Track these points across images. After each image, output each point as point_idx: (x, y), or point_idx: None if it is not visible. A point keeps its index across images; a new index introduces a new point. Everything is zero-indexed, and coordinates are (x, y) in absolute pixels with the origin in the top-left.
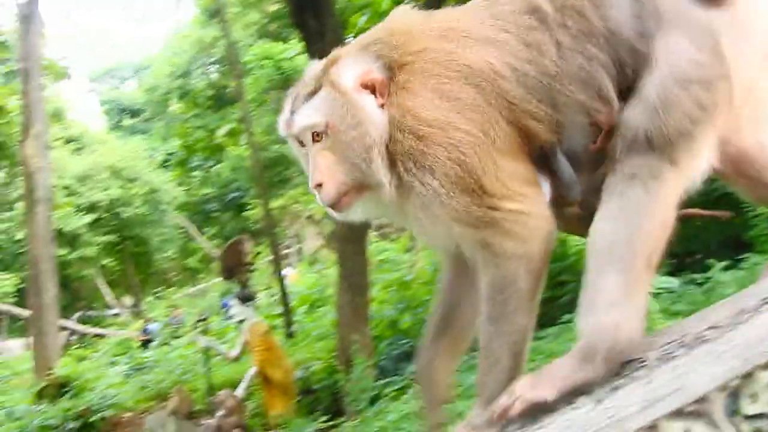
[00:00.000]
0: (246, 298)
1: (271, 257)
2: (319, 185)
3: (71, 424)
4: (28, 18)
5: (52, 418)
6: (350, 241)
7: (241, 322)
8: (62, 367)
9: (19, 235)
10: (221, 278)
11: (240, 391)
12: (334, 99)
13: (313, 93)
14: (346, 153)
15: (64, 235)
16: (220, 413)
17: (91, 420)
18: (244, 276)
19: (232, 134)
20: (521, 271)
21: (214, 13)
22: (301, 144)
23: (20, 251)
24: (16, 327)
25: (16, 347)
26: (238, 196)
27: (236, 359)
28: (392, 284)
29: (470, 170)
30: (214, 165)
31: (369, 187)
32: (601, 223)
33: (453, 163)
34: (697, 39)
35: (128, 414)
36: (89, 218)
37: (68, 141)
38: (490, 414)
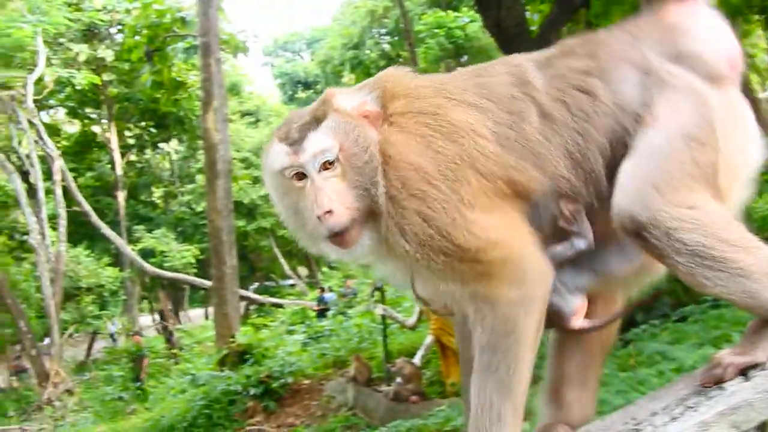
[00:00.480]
0: None
1: None
2: (329, 212)
3: (253, 390)
4: None
5: (234, 384)
6: None
7: None
8: (243, 336)
9: (199, 208)
10: None
11: (417, 359)
12: (344, 124)
13: (318, 122)
14: (356, 178)
15: (242, 206)
16: (398, 380)
17: (272, 386)
18: None
19: None
20: (521, 315)
21: None
22: (299, 177)
23: (200, 223)
24: (196, 297)
25: (197, 317)
26: None
27: (413, 328)
28: None
29: (438, 228)
30: None
31: (375, 216)
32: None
33: (421, 220)
34: (699, 106)
35: (308, 381)
36: (264, 191)
37: (244, 114)
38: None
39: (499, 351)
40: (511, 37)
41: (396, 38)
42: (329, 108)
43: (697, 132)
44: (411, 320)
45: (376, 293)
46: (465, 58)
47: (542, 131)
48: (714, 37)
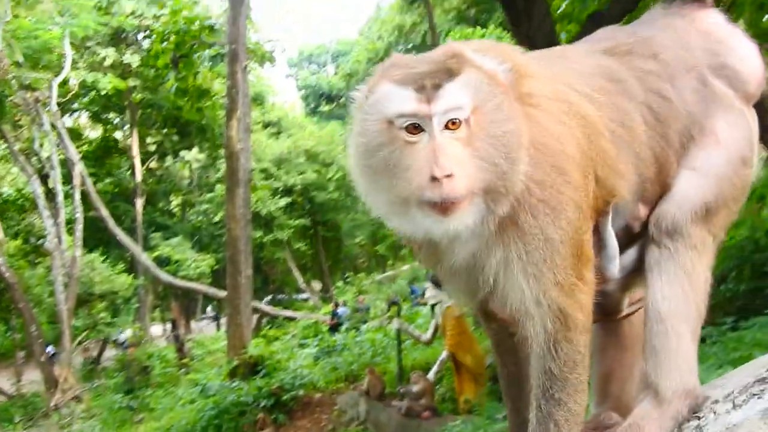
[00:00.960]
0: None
1: None
2: (449, 176)
3: (263, 402)
4: (237, 1)
5: (245, 395)
6: None
7: (434, 306)
8: (255, 348)
9: (217, 218)
10: (418, 262)
11: (431, 375)
12: (485, 85)
13: (452, 74)
14: (485, 148)
15: (260, 217)
16: (411, 395)
17: (283, 399)
18: None
19: None
20: (587, 345)
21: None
22: (413, 130)
23: (217, 233)
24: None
25: (209, 327)
26: None
27: (428, 343)
28: None
29: (578, 228)
30: None
31: (494, 195)
32: (667, 288)
33: (574, 211)
34: (747, 129)
35: (319, 394)
36: (284, 202)
37: (266, 125)
38: None
39: (568, 383)
40: None
41: (420, 53)
42: (465, 63)
43: (748, 156)
44: (426, 336)
45: (393, 308)
46: None
47: (646, 132)
48: (749, 54)
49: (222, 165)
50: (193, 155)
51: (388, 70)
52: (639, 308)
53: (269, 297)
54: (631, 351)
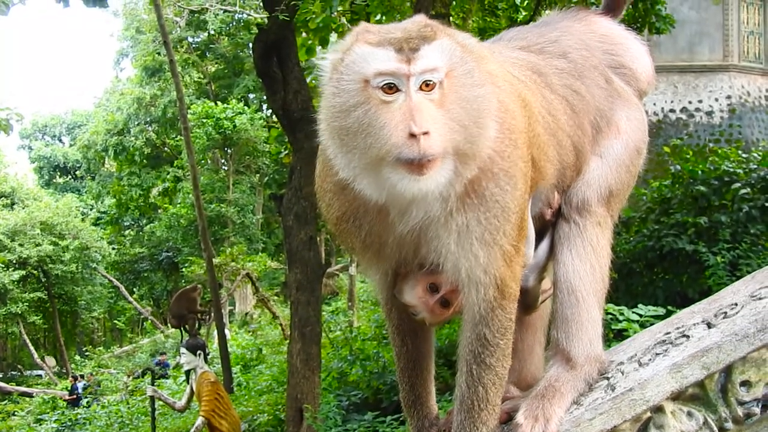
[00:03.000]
0: (196, 347)
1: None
2: (426, 133)
3: None
4: None
5: None
6: (304, 290)
7: (188, 372)
8: None
9: None
10: (171, 326)
11: None
12: (458, 50)
13: (428, 39)
14: (459, 111)
15: None
16: None
17: None
18: (195, 324)
19: (167, 193)
20: (515, 313)
21: (154, 72)
22: (389, 90)
23: None
24: None
25: None
26: (171, 256)
27: (183, 410)
28: (334, 340)
29: (525, 200)
30: (147, 224)
31: (463, 157)
32: (577, 262)
33: (525, 184)
34: (642, 122)
35: None
36: (18, 274)
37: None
38: None
39: (498, 348)
40: (296, 121)
41: (163, 126)
42: (439, 30)
43: (642, 146)
44: (181, 402)
45: (147, 374)
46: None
47: (567, 122)
48: (641, 54)
49: None
50: None
51: (363, 35)
52: (549, 295)
53: (0, 375)
54: (533, 331)
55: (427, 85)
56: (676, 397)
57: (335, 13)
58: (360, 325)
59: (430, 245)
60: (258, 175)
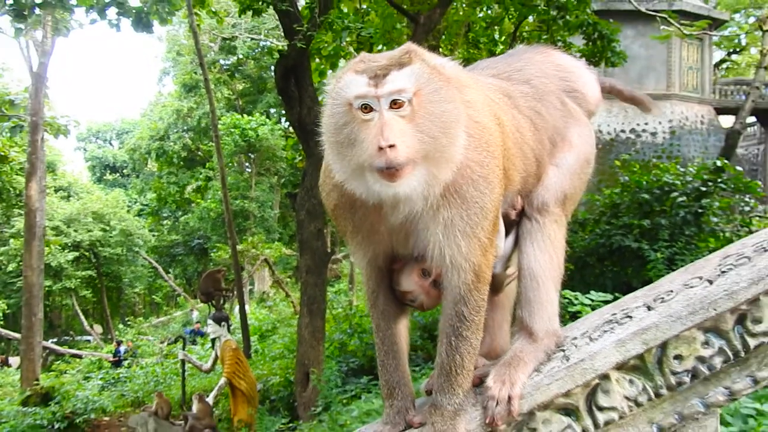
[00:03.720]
0: (220, 319)
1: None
2: (392, 146)
3: (58, 425)
4: (39, 77)
5: (41, 419)
6: (312, 273)
7: (214, 339)
8: (46, 380)
9: (10, 267)
10: (200, 301)
11: (210, 399)
12: (427, 74)
13: (402, 65)
14: (427, 124)
15: (50, 268)
16: (193, 416)
17: (76, 422)
18: (220, 300)
19: (200, 190)
20: (487, 295)
21: (191, 88)
22: (366, 110)
23: (9, 281)
24: None
25: None
26: (201, 243)
27: (208, 371)
28: (337, 316)
29: (499, 202)
30: (182, 215)
31: (433, 162)
32: (538, 253)
33: (499, 188)
34: (591, 137)
35: (108, 417)
36: (72, 255)
37: (57, 189)
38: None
39: (473, 323)
40: (310, 132)
41: (197, 134)
42: (415, 57)
43: (590, 158)
44: (207, 365)
45: (179, 341)
46: (254, 155)
47: (531, 138)
48: (590, 81)
49: (15, 222)
50: None
51: (353, 64)
52: (513, 279)
53: (54, 339)
54: (501, 310)
55: (395, 104)
56: (620, 367)
57: (344, 43)
58: (358, 304)
59: (420, 235)
60: (276, 176)
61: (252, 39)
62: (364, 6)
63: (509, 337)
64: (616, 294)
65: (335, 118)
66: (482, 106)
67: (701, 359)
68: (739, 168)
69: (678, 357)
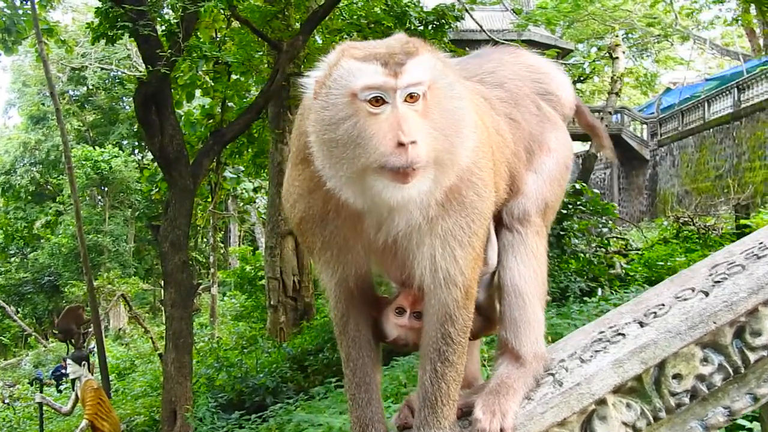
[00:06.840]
0: (80, 358)
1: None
2: (414, 142)
3: None
4: None
5: None
6: (178, 307)
7: (74, 380)
8: None
9: None
10: (58, 340)
11: None
12: (438, 64)
13: (411, 54)
14: (441, 121)
15: None
16: None
17: None
18: (80, 338)
19: (50, 225)
20: (473, 317)
21: (39, 120)
22: (376, 102)
23: None
24: None
25: None
26: (52, 280)
27: (68, 414)
28: (201, 350)
29: (491, 210)
30: (31, 252)
31: (440, 165)
32: (522, 267)
33: (494, 193)
34: (568, 142)
35: None
36: None
37: None
38: None
39: (460, 346)
40: (172, 161)
41: (46, 167)
42: (421, 46)
43: (569, 163)
44: (66, 407)
45: (35, 383)
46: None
47: (512, 145)
48: (564, 83)
49: None
50: None
51: (349, 51)
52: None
53: None
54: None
55: (411, 97)
56: (617, 390)
57: (200, 72)
58: (221, 337)
59: (411, 252)
60: (131, 209)
61: (102, 69)
62: (220, 35)
63: (479, 363)
64: None
65: (331, 112)
66: (474, 106)
67: (701, 377)
68: (596, 191)
69: (677, 376)
